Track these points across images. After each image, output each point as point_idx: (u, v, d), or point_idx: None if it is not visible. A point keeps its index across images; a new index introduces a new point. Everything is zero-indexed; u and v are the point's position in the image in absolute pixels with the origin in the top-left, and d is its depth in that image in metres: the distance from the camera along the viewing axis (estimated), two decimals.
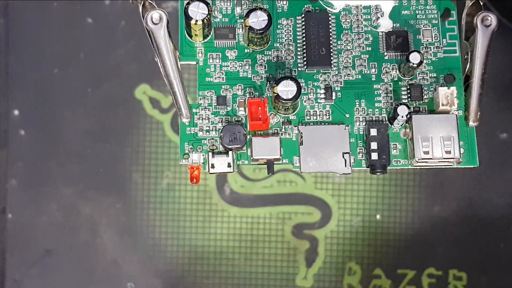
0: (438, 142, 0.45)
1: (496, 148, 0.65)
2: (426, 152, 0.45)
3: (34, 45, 0.66)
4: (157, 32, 0.45)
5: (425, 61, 0.48)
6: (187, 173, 0.63)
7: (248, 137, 0.46)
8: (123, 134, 0.65)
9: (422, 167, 0.47)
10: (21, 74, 0.66)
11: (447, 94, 0.46)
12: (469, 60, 0.46)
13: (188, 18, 0.46)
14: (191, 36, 0.48)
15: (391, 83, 0.48)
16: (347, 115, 0.47)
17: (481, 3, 0.46)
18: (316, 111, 0.47)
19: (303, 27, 0.48)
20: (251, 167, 0.65)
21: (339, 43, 0.48)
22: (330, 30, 0.48)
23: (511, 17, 0.61)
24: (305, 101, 0.47)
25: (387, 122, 0.47)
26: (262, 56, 0.48)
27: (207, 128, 0.47)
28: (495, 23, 0.45)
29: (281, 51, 0.48)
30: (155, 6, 0.46)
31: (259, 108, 0.45)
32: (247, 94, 0.47)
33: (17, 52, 0.66)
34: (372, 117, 0.47)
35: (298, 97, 0.44)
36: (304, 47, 0.47)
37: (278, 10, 0.49)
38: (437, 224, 0.64)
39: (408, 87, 0.47)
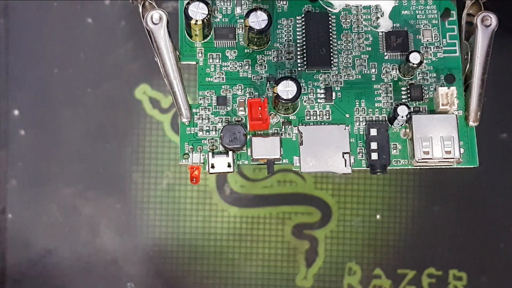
0: (438, 142, 0.45)
1: (496, 148, 0.65)
2: (426, 152, 0.45)
3: (34, 45, 0.66)
4: (157, 32, 0.45)
5: (425, 61, 0.48)
6: (187, 173, 0.63)
7: (248, 137, 0.46)
8: (123, 134, 0.65)
9: (422, 167, 0.47)
10: (21, 74, 0.66)
11: (447, 94, 0.46)
12: (469, 60, 0.47)
13: (188, 18, 0.46)
14: (191, 36, 0.48)
15: (391, 83, 0.48)
16: (347, 115, 0.47)
17: (481, 3, 0.46)
18: (316, 111, 0.47)
19: (303, 27, 0.48)
20: (251, 167, 0.65)
21: (339, 43, 0.48)
22: (330, 30, 0.48)
23: (511, 17, 0.61)
24: (305, 101, 0.47)
25: (387, 122, 0.47)
26: (262, 56, 0.48)
27: (207, 128, 0.47)
28: (495, 23, 0.45)
29: (281, 51, 0.48)
30: (155, 6, 0.46)
31: (259, 108, 0.45)
32: (247, 94, 0.47)
33: (17, 52, 0.66)
34: (372, 117, 0.47)
35: (298, 97, 0.44)
36: (304, 47, 0.47)
37: (278, 10, 0.49)
38: (437, 224, 0.64)
39: (408, 87, 0.47)
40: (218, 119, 0.47)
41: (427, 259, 0.64)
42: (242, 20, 0.48)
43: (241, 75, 0.47)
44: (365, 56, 0.48)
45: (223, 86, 0.47)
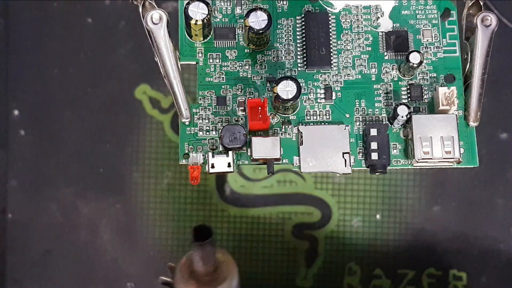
0: (438, 142, 0.45)
1: (496, 148, 0.65)
2: (426, 152, 0.45)
3: (34, 45, 0.66)
4: (157, 32, 0.45)
5: (425, 61, 0.48)
6: (187, 173, 0.63)
7: (248, 137, 0.46)
8: (123, 134, 0.65)
9: (422, 167, 0.47)
10: (21, 74, 0.66)
11: (447, 94, 0.46)
12: (469, 60, 0.47)
13: (188, 18, 0.46)
14: (191, 36, 0.48)
15: (391, 83, 0.48)
16: (347, 115, 0.47)
17: (481, 3, 0.46)
18: (316, 111, 0.47)
19: (303, 27, 0.48)
20: (251, 167, 0.65)
21: (339, 43, 0.48)
22: (330, 30, 0.48)
23: (511, 17, 0.61)
24: (305, 101, 0.47)
25: (387, 122, 0.47)
26: (262, 56, 0.48)
27: (207, 128, 0.47)
28: (495, 23, 0.45)
29: (281, 51, 0.48)
30: (155, 6, 0.46)
31: (259, 108, 0.45)
32: (247, 94, 0.47)
33: (17, 52, 0.66)
34: (372, 117, 0.47)
35: (298, 97, 0.44)
36: (304, 47, 0.47)
37: (278, 10, 0.49)
38: (437, 224, 0.64)
39: (408, 87, 0.47)
40: (218, 119, 0.47)
41: (427, 259, 0.64)
42: (242, 20, 0.48)
43: (241, 75, 0.47)
44: (365, 56, 0.48)
45: (223, 86, 0.47)
